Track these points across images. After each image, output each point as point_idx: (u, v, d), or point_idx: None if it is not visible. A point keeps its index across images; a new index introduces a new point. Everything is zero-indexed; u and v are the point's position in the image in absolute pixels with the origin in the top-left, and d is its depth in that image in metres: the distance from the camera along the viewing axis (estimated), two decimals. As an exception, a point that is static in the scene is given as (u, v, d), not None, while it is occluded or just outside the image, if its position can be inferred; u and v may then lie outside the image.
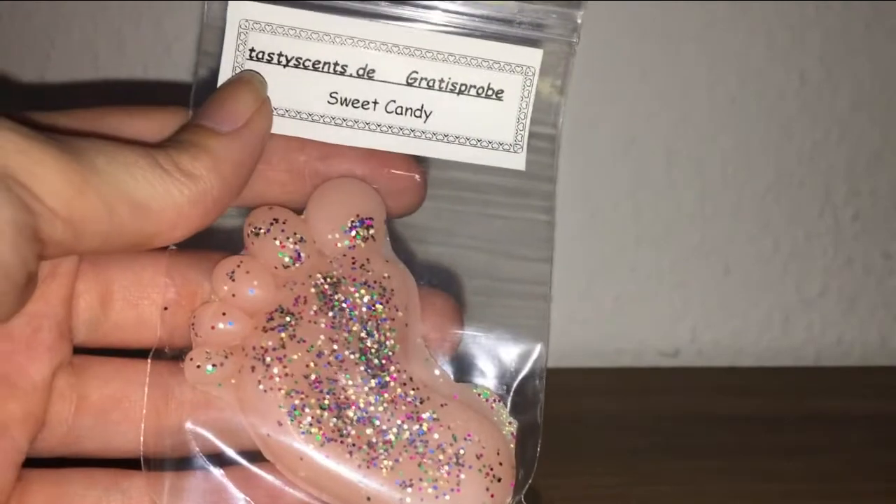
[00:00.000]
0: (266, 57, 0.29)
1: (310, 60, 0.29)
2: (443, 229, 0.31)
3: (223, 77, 0.29)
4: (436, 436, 0.28)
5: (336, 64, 0.29)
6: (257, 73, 0.29)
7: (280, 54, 0.29)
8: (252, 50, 0.29)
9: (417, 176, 0.29)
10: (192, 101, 0.29)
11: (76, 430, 0.28)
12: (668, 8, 0.47)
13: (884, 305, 0.51)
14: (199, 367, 0.27)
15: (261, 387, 0.27)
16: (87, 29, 0.45)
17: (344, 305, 0.28)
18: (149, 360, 0.28)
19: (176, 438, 0.28)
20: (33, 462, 0.27)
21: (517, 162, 0.30)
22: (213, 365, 0.27)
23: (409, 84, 0.29)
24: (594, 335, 0.50)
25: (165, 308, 0.28)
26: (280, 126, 0.29)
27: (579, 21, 0.29)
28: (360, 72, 0.29)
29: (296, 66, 0.29)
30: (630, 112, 0.48)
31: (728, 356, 0.50)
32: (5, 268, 0.23)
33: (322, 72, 0.29)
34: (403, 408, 0.28)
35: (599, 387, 0.47)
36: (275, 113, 0.29)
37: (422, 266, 0.30)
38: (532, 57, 0.29)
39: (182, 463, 0.28)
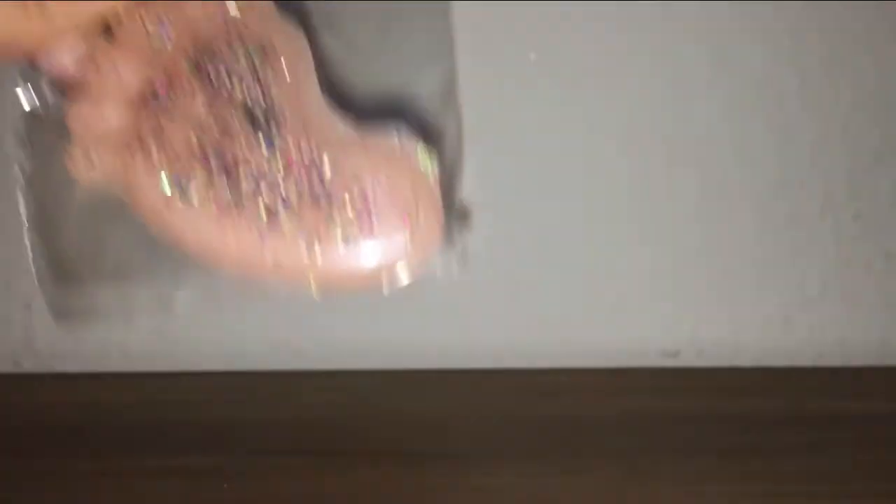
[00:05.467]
0: None
1: None
2: None
3: None
4: (339, 186, 0.26)
5: None
6: None
7: None
8: None
9: None
10: None
11: None
12: (669, 8, 0.47)
13: (884, 305, 0.51)
14: (79, 165, 0.27)
15: (144, 169, 0.27)
16: None
17: (222, 73, 0.27)
18: None
19: None
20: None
21: None
22: (93, 163, 0.27)
23: None
24: (594, 335, 0.50)
25: None
26: None
27: None
28: None
29: None
30: (630, 112, 0.48)
31: (728, 356, 0.50)
32: None
33: None
34: (301, 164, 0.26)
35: (599, 387, 0.46)
36: None
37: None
38: None
39: None
